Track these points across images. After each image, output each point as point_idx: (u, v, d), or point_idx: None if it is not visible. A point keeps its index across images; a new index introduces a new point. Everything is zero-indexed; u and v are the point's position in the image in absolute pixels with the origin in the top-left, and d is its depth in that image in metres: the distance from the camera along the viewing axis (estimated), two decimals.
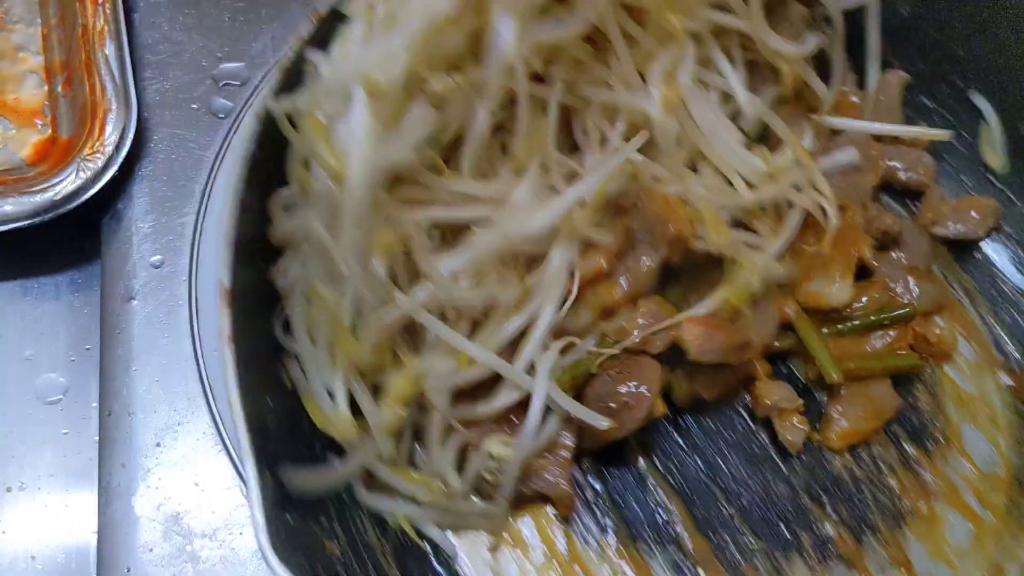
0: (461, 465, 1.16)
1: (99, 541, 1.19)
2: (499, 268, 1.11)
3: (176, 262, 1.31)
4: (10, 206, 1.26)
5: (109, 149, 1.31)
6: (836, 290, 1.26)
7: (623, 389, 1.17)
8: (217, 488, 1.21)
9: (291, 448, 1.08)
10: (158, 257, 1.32)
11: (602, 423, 1.12)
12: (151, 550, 1.18)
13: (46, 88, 1.43)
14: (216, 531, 1.19)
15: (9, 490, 1.25)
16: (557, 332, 1.15)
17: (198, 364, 1.26)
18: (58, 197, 1.28)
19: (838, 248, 1.26)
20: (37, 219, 1.27)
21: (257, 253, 1.10)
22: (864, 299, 1.30)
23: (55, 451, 1.28)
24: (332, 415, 1.09)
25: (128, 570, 1.17)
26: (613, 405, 1.16)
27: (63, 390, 1.31)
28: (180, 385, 1.25)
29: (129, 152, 1.32)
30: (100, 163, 1.30)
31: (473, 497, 1.18)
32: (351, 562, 1.09)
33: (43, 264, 1.37)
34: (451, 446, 1.15)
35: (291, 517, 0.99)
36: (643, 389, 1.17)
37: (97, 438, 1.26)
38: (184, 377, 1.25)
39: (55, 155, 1.37)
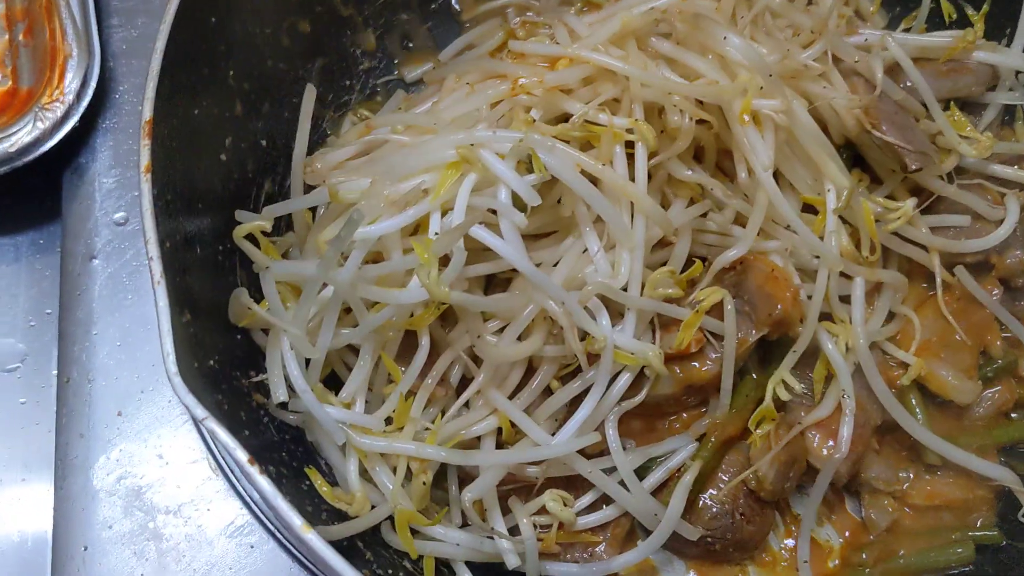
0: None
1: (55, 517, 1.10)
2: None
3: (141, 219, 1.21)
4: None
5: (70, 98, 1.22)
6: (961, 386, 1.14)
7: (734, 535, 1.08)
8: (182, 461, 1.12)
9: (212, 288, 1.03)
10: (122, 214, 1.23)
11: (692, 535, 1.05)
12: (110, 527, 1.09)
13: (6, 37, 1.34)
14: (181, 507, 1.10)
15: None
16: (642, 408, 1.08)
17: (159, 333, 1.16)
18: (13, 149, 1.19)
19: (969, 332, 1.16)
20: None
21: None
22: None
23: (11, 422, 1.19)
24: (343, 495, 1.01)
25: (85, 548, 1.08)
26: (717, 538, 1.08)
27: (21, 357, 1.22)
28: (143, 350, 1.16)
29: (92, 102, 1.23)
30: (59, 112, 1.21)
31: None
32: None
33: (2, 224, 1.28)
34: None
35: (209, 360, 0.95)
36: (752, 542, 1.10)
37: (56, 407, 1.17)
38: (148, 341, 1.16)
39: (14, 107, 1.27)
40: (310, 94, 1.15)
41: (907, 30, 1.31)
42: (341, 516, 0.99)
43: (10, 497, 1.16)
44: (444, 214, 1.03)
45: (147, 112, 0.92)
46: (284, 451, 1.03)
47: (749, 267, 1.09)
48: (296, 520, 0.78)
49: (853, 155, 1.19)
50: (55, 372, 1.20)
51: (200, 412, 0.80)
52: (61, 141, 1.20)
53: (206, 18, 1.04)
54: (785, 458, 1.06)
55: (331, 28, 1.26)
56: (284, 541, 1.09)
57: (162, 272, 0.86)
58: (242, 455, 0.79)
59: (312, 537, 0.78)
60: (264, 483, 0.79)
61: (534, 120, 1.04)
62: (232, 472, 1.12)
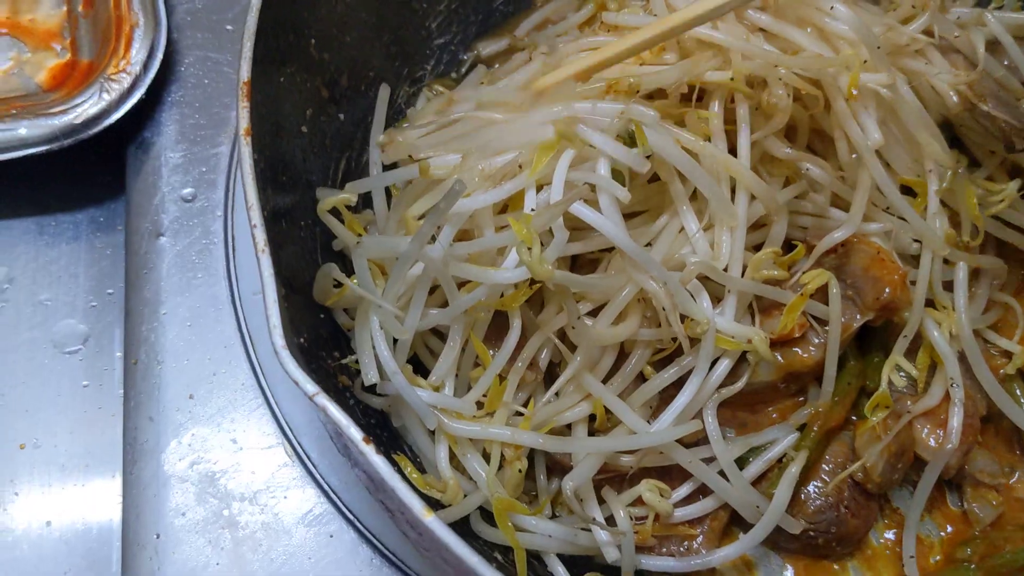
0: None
1: (124, 504, 1.06)
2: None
3: (209, 195, 1.17)
4: (24, 129, 1.13)
5: (136, 69, 1.17)
6: None
7: (838, 529, 1.03)
8: (257, 446, 1.08)
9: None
10: (189, 190, 1.18)
11: (795, 528, 1.01)
12: (183, 514, 1.04)
13: (65, 8, 1.30)
14: (257, 494, 1.05)
15: (23, 447, 1.11)
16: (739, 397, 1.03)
17: (235, 307, 1.12)
18: (79, 121, 1.14)
19: None
20: (55, 145, 1.14)
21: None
22: None
23: (74, 406, 1.14)
24: (434, 482, 0.96)
25: (157, 536, 1.03)
26: (820, 531, 1.03)
27: (83, 338, 1.17)
28: (215, 331, 1.11)
29: (157, 75, 1.19)
30: (126, 84, 1.16)
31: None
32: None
33: (61, 200, 1.23)
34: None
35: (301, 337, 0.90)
36: (856, 536, 1.05)
37: (121, 391, 1.12)
38: (219, 322, 1.12)
39: (74, 80, 1.23)
40: (384, 91, 1.13)
41: (1000, 8, 1.27)
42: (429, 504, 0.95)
43: (74, 484, 1.11)
44: (539, 190, 0.98)
45: (245, 73, 0.87)
46: (371, 436, 0.98)
47: (852, 249, 1.04)
48: (416, 503, 0.73)
49: (950, 137, 1.15)
50: (119, 354, 1.15)
51: (311, 387, 0.75)
52: (127, 113, 1.16)
53: None
54: (895, 448, 1.01)
55: (406, 2, 1.21)
56: (364, 530, 1.04)
57: (266, 240, 0.81)
58: (356, 433, 0.75)
59: (433, 521, 0.73)
60: (381, 463, 0.74)
61: (637, 90, 0.99)
62: (309, 458, 1.07)
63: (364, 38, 1.15)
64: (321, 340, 0.99)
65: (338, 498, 1.06)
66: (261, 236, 0.81)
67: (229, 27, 1.26)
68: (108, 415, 1.13)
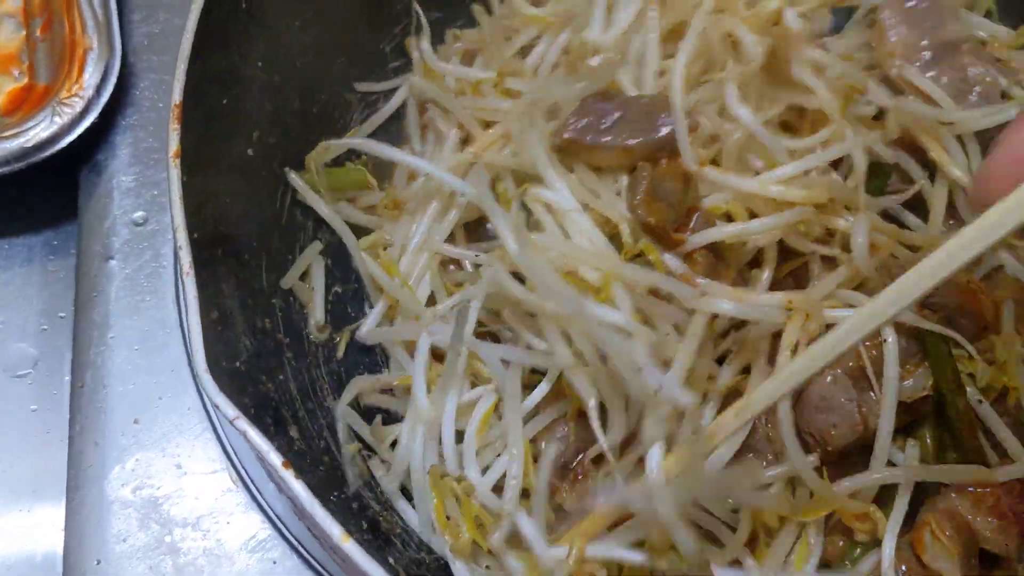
0: None
1: (67, 529, 1.04)
2: None
3: (161, 219, 1.17)
4: None
5: (89, 92, 1.17)
6: None
7: None
8: (202, 471, 1.06)
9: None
10: (141, 213, 1.17)
11: None
12: (125, 540, 1.03)
13: (24, 33, 1.30)
14: (200, 519, 1.04)
15: None
16: None
17: (183, 331, 1.11)
18: (30, 144, 1.14)
19: None
20: (7, 169, 1.14)
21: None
22: None
23: (22, 430, 1.13)
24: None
25: (98, 562, 1.02)
26: None
27: (33, 362, 1.16)
28: (162, 355, 1.11)
29: (111, 98, 1.18)
30: (79, 107, 1.16)
31: None
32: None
33: (15, 223, 1.23)
34: None
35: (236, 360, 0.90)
36: None
37: (69, 415, 1.11)
38: (167, 345, 1.11)
39: (30, 104, 1.23)
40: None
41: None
42: (374, 531, 0.93)
43: (20, 509, 1.10)
44: None
45: (177, 95, 0.87)
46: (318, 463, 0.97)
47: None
48: (335, 529, 0.72)
49: None
50: (68, 378, 1.14)
51: (231, 412, 0.75)
52: (80, 137, 1.15)
53: (236, 2, 0.99)
54: (961, 550, 0.92)
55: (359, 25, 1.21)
56: (307, 556, 1.03)
57: (191, 263, 0.80)
58: (276, 458, 0.74)
59: (351, 547, 0.72)
60: (300, 488, 0.73)
61: None
62: (254, 483, 1.06)
63: (316, 60, 1.15)
64: (261, 364, 0.98)
65: (282, 523, 1.04)
66: (187, 258, 0.81)
67: None
68: (56, 439, 1.12)
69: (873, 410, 0.93)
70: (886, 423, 0.90)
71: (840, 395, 0.93)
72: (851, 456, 0.95)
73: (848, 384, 0.94)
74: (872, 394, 0.93)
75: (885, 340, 0.90)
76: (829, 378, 0.93)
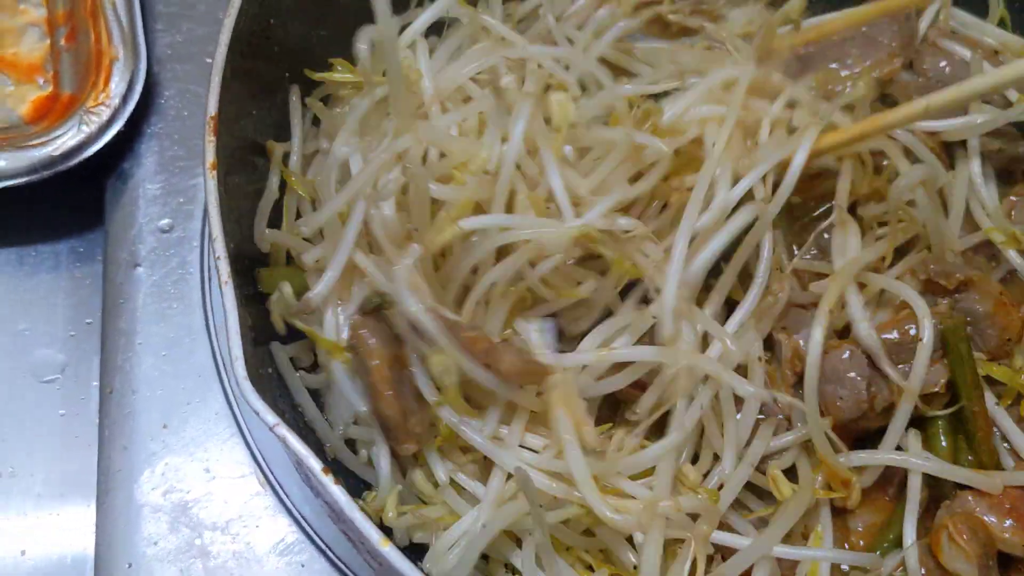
0: None
1: (97, 533, 1.06)
2: None
3: (187, 226, 1.18)
4: (3, 161, 1.14)
5: (115, 101, 1.18)
6: None
7: None
8: (230, 475, 1.08)
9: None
10: (167, 221, 1.19)
11: None
12: (155, 543, 1.04)
13: (48, 42, 1.31)
14: (229, 523, 1.06)
15: None
16: None
17: (210, 337, 1.13)
18: (58, 153, 1.16)
19: None
20: (35, 177, 1.15)
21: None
22: None
23: (51, 434, 1.15)
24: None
25: (129, 566, 1.03)
26: None
27: (60, 367, 1.18)
28: (189, 360, 1.12)
29: (137, 106, 1.20)
30: (105, 116, 1.18)
31: None
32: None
33: (42, 230, 1.24)
34: None
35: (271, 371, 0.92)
36: None
37: (97, 420, 1.13)
38: (194, 352, 1.13)
39: (56, 112, 1.24)
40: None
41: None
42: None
43: (49, 513, 1.11)
44: None
45: (212, 107, 0.89)
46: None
47: (975, 290, 0.99)
48: (373, 533, 0.74)
49: None
50: (95, 384, 1.16)
51: (271, 418, 0.76)
52: (106, 145, 1.17)
53: (265, 16, 1.01)
54: (980, 551, 0.93)
55: None
56: (336, 560, 1.05)
57: (230, 272, 0.82)
58: (315, 463, 0.75)
59: (391, 551, 0.73)
60: (339, 494, 0.75)
61: None
62: (282, 487, 1.08)
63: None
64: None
65: (310, 527, 1.06)
66: (225, 268, 0.82)
67: (209, 60, 1.26)
68: (84, 444, 1.14)
69: (883, 393, 0.95)
70: (906, 407, 0.92)
71: (853, 370, 0.95)
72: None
73: (864, 362, 0.95)
74: (885, 378, 0.94)
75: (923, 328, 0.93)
76: (847, 353, 0.95)
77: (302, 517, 1.06)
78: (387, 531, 0.86)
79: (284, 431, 0.76)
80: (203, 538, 1.05)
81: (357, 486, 0.94)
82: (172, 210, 1.20)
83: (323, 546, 1.05)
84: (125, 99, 1.19)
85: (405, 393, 0.89)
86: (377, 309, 0.89)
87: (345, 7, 1.11)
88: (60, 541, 1.10)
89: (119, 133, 1.18)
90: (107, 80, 1.19)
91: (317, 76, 1.05)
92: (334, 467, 0.86)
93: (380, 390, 0.88)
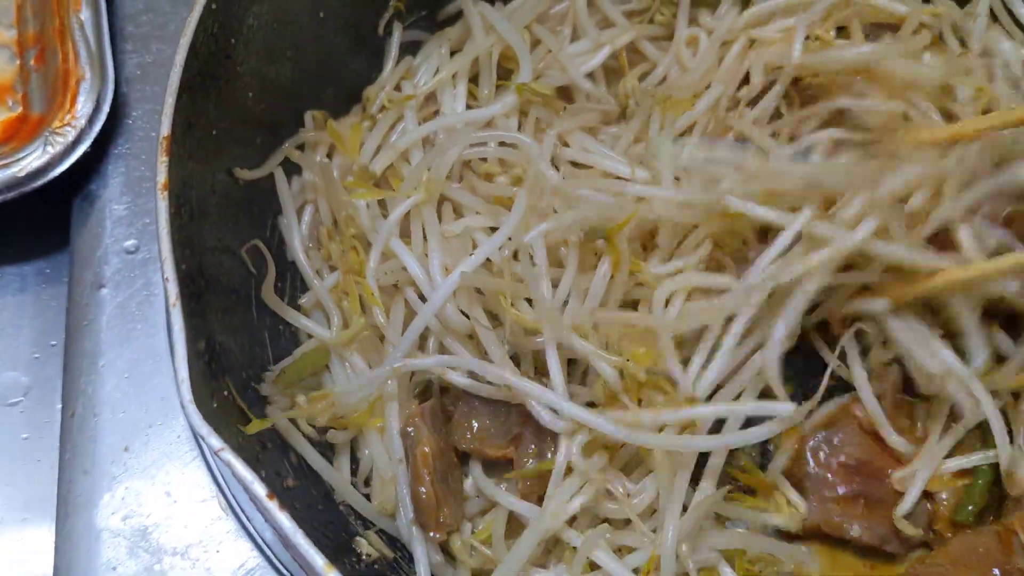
0: None
1: (56, 558, 1.04)
2: None
3: (152, 247, 1.17)
4: None
5: (81, 122, 1.18)
6: None
7: None
8: (191, 499, 1.07)
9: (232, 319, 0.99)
10: (132, 242, 1.18)
11: None
12: (114, 569, 1.03)
13: (18, 63, 1.31)
14: (189, 548, 1.04)
15: None
16: None
17: (173, 359, 1.11)
18: (23, 174, 1.15)
19: None
20: None
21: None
22: None
23: (12, 458, 1.13)
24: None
25: None
26: None
27: (24, 390, 1.17)
28: (152, 383, 1.11)
29: (104, 127, 1.19)
30: (71, 137, 1.17)
31: None
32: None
33: (9, 252, 1.24)
34: None
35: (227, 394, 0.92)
36: None
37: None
38: (157, 373, 1.11)
39: (24, 133, 1.24)
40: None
41: None
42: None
43: (10, 538, 1.10)
44: None
45: (165, 128, 0.88)
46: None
47: None
48: (318, 559, 0.73)
49: None
50: (59, 406, 1.15)
51: (216, 442, 0.75)
52: (72, 166, 1.16)
53: (225, 36, 1.00)
54: None
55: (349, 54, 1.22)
56: None
57: (178, 294, 0.81)
58: (260, 489, 0.74)
59: None
60: (284, 519, 0.74)
61: None
62: (243, 511, 1.06)
63: (305, 90, 1.16)
64: (251, 394, 0.99)
65: (271, 552, 1.04)
66: (173, 290, 0.81)
67: None
68: (47, 467, 1.12)
69: None
70: None
71: None
72: None
73: None
74: None
75: None
76: None
77: (264, 542, 1.04)
78: None
79: (230, 456, 0.75)
80: (162, 563, 1.03)
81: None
82: (138, 231, 1.19)
83: (285, 571, 1.03)
84: (91, 120, 1.18)
85: (445, 485, 0.95)
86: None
87: (307, 29, 1.11)
88: (19, 566, 1.09)
89: (85, 153, 1.17)
90: (73, 100, 1.19)
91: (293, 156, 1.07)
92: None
93: (421, 474, 0.93)
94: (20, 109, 1.28)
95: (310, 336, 1.08)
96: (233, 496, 1.06)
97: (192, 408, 0.76)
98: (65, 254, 1.23)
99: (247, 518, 1.06)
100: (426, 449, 0.93)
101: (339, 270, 1.08)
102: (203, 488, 1.07)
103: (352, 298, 1.02)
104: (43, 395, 1.17)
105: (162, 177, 0.86)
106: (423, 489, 0.93)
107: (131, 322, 1.14)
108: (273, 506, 0.74)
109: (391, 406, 0.97)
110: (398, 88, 1.19)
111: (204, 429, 0.75)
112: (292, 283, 1.11)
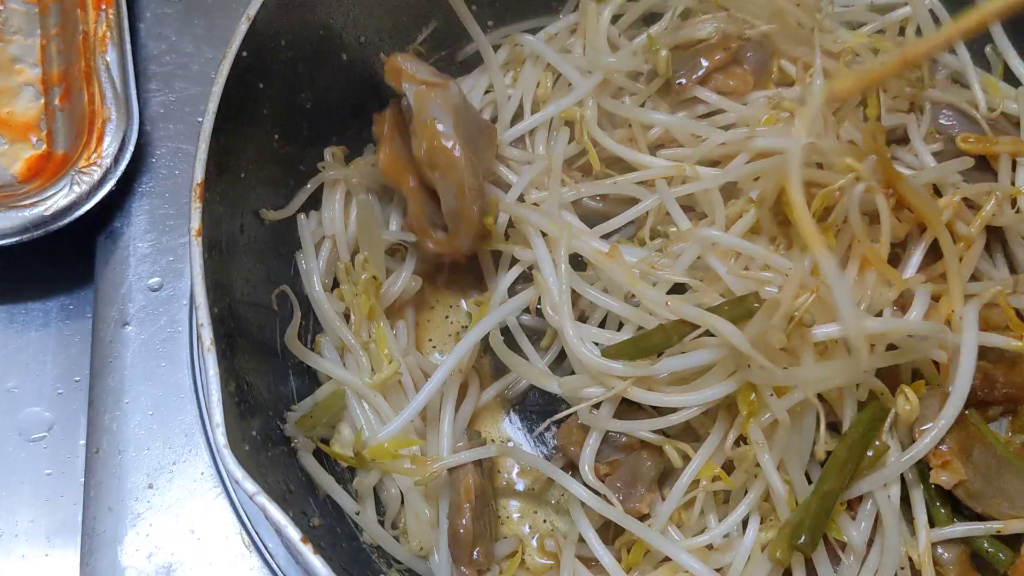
0: None
1: None
2: None
3: (176, 285, 1.19)
4: None
5: (107, 161, 1.20)
6: None
7: None
8: (215, 536, 1.08)
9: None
10: (156, 279, 1.20)
11: None
12: None
13: (42, 101, 1.33)
14: None
15: None
16: None
17: (197, 397, 1.13)
18: (49, 212, 1.17)
19: None
20: (26, 236, 1.16)
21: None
22: None
23: (36, 494, 1.14)
24: None
25: None
26: None
27: (48, 426, 1.18)
28: (177, 420, 1.12)
29: (128, 166, 1.21)
30: (96, 176, 1.19)
31: None
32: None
33: (32, 288, 1.25)
34: None
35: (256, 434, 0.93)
36: None
37: (83, 479, 1.12)
38: (181, 411, 1.13)
39: (49, 171, 1.26)
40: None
41: None
42: None
43: (33, 573, 1.11)
44: None
45: (199, 174, 0.90)
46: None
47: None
48: None
49: None
50: (83, 442, 1.16)
51: (251, 487, 0.76)
52: (97, 204, 1.18)
53: (254, 82, 1.02)
54: None
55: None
56: None
57: (212, 339, 0.83)
58: (294, 533, 0.75)
59: None
60: (318, 563, 0.75)
61: None
62: (267, 548, 1.07)
63: (327, 130, 1.18)
64: (275, 434, 1.00)
65: None
66: (208, 335, 0.83)
67: (200, 119, 1.28)
68: (70, 503, 1.14)
69: None
70: None
71: None
72: None
73: None
74: None
75: None
76: None
77: None
78: None
79: (264, 500, 0.76)
80: None
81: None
82: (162, 268, 1.20)
83: None
84: (116, 159, 1.20)
85: (481, 524, 0.97)
86: None
87: (330, 73, 1.13)
88: None
89: (110, 193, 1.19)
90: (99, 140, 1.21)
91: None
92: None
93: (462, 508, 0.95)
94: (44, 147, 1.30)
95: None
96: (257, 533, 1.08)
97: (227, 453, 0.77)
98: (88, 289, 1.25)
99: (271, 555, 1.07)
100: (471, 480, 0.95)
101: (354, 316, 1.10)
102: (227, 525, 1.08)
103: (381, 343, 1.04)
104: (67, 431, 1.18)
105: (196, 223, 0.88)
106: (463, 521, 0.94)
107: (155, 359, 1.15)
108: (307, 550, 0.75)
109: None
110: None
111: (239, 473, 0.76)
112: (314, 318, 1.13)
